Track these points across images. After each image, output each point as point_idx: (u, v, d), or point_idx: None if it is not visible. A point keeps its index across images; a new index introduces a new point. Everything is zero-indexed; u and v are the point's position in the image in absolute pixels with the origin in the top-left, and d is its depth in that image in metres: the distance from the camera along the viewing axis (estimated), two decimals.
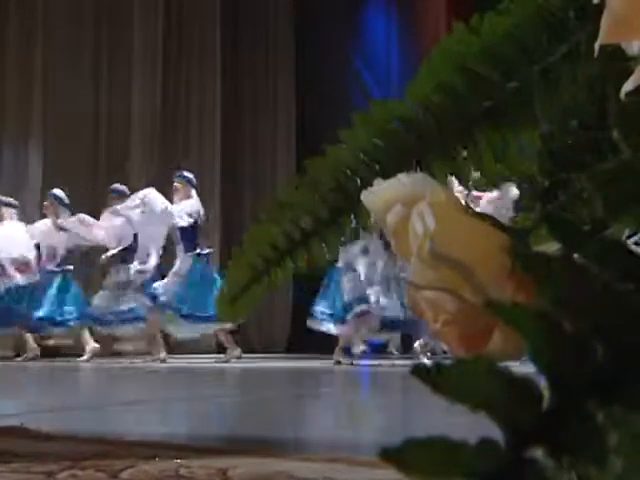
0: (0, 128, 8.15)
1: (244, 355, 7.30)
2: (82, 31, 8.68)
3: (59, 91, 8.33)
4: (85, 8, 8.74)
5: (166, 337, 7.51)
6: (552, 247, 0.41)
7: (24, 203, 8.00)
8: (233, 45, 10.19)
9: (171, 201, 7.23)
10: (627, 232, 0.35)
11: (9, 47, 8.09)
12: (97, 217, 8.46)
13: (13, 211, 7.59)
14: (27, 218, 7.88)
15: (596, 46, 0.42)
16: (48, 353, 7.54)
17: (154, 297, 7.12)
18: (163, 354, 7.08)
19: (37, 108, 8.20)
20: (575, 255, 0.25)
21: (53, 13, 8.37)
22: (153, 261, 7.27)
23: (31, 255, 7.55)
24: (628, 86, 0.43)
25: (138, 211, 7.18)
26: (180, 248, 7.24)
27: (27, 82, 8.15)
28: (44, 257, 7.63)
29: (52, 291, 7.49)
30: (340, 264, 6.63)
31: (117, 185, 7.67)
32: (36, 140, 8.20)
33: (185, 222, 7.08)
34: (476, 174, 0.64)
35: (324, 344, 7.21)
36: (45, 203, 7.62)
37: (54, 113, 8.32)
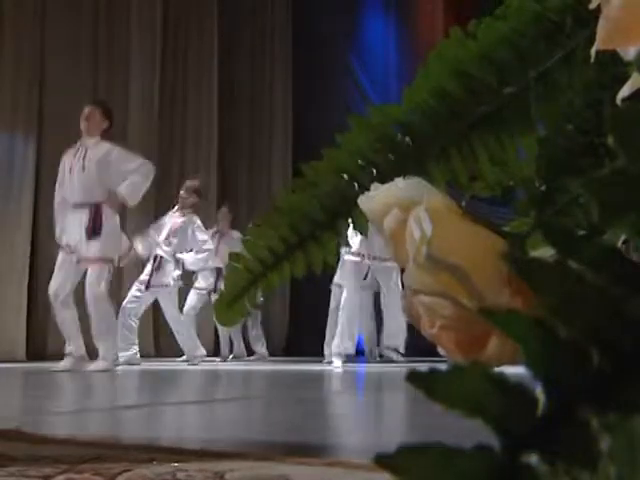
0: None
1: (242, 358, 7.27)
2: (80, 24, 8.65)
3: (56, 84, 8.28)
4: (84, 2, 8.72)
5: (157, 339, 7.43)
6: (548, 252, 0.41)
7: (17, 193, 7.90)
8: (231, 48, 10.20)
9: None
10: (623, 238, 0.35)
11: (5, 40, 8.05)
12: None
13: None
14: (20, 208, 7.80)
15: (593, 52, 0.42)
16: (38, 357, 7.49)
17: None
18: None
19: (33, 100, 8.14)
20: (570, 261, 0.25)
21: (51, 6, 8.34)
22: None
23: None
24: (624, 92, 0.44)
25: None
26: None
27: (23, 75, 8.10)
28: None
29: None
30: None
31: None
32: (31, 131, 8.12)
33: None
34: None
35: (322, 347, 7.21)
36: None
37: (50, 104, 8.25)
